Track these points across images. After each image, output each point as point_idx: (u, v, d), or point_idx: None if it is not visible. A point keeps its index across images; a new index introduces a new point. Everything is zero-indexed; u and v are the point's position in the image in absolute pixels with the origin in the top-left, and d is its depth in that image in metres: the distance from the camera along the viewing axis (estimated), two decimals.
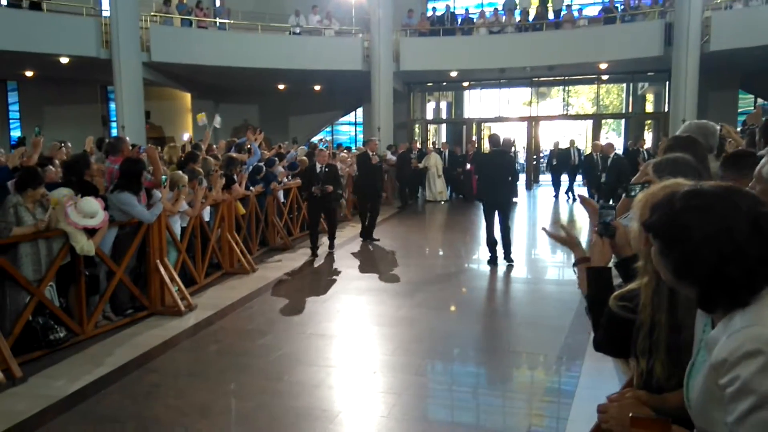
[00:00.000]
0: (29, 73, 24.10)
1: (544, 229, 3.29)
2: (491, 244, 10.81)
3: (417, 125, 28.11)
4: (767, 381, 1.55)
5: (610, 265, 2.68)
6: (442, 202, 21.60)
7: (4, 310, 6.22)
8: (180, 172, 8.99)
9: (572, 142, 23.03)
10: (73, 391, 5.61)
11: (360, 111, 29.14)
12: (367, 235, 13.45)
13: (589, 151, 21.92)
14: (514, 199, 18.90)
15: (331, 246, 12.19)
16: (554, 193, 22.74)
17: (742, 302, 1.68)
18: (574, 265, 2.85)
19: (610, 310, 2.36)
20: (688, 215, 1.71)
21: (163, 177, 8.28)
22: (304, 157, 14.99)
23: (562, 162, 23.12)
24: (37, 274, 6.43)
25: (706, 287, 1.71)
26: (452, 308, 8.76)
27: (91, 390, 5.65)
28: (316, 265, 11.21)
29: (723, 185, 1.78)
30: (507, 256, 10.72)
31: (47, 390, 5.64)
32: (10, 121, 27.09)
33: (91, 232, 6.79)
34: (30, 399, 5.43)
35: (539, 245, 13.80)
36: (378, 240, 13.36)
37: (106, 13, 21.26)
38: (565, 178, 22.79)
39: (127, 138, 9.37)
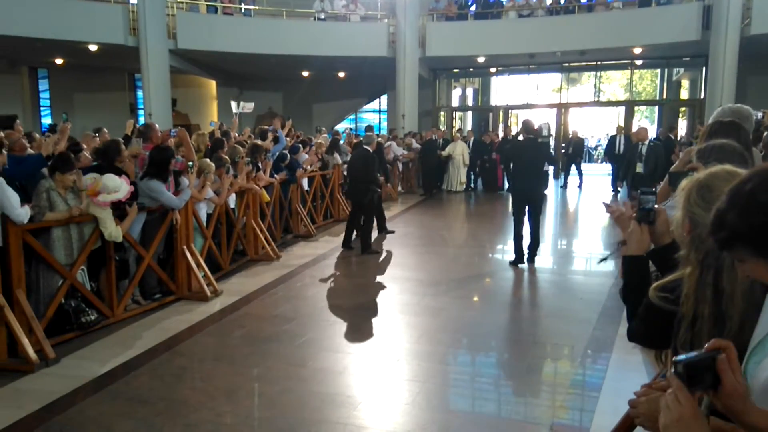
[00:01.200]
0: (59, 61, 24.37)
1: (605, 203, 3.21)
2: (518, 242, 10.00)
3: (443, 113, 27.73)
4: None
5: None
6: (463, 192, 21.06)
7: (38, 294, 6.35)
8: (207, 160, 9.07)
9: (619, 129, 21.90)
10: (103, 372, 5.74)
11: (384, 98, 28.94)
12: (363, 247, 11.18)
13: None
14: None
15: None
16: (562, 184, 22.46)
17: None
18: (620, 244, 2.80)
19: (648, 301, 2.29)
20: (760, 198, 1.57)
21: (189, 163, 8.34)
22: (321, 141, 14.90)
23: (578, 151, 22.86)
24: (69, 258, 6.55)
25: None
26: (475, 298, 8.72)
27: (121, 371, 5.77)
28: (339, 253, 11.23)
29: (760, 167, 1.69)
30: (531, 257, 10.04)
31: (79, 371, 5.76)
32: (41, 108, 27.39)
33: (120, 217, 6.90)
34: (62, 379, 5.57)
35: (565, 236, 13.74)
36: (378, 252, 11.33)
37: (133, 1, 21.36)
38: (588, 168, 22.39)
39: (157, 125, 9.43)
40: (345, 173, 12.17)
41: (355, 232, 11.52)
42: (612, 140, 21.56)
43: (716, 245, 1.70)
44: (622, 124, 23.81)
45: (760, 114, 4.77)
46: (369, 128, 13.82)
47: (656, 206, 2.61)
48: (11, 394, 5.31)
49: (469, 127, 29.32)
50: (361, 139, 13.32)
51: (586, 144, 30.90)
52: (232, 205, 9.79)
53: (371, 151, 11.22)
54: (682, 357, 1.53)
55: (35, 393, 5.28)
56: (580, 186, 21.99)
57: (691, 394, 1.50)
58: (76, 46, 20.98)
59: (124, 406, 5.09)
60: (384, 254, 10.74)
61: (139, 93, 25.54)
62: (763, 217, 1.55)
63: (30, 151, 7.70)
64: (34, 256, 6.28)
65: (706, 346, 1.54)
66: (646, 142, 14.20)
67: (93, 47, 21.01)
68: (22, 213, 5.89)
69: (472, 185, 22.02)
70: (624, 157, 18.42)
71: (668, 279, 2.22)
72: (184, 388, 5.51)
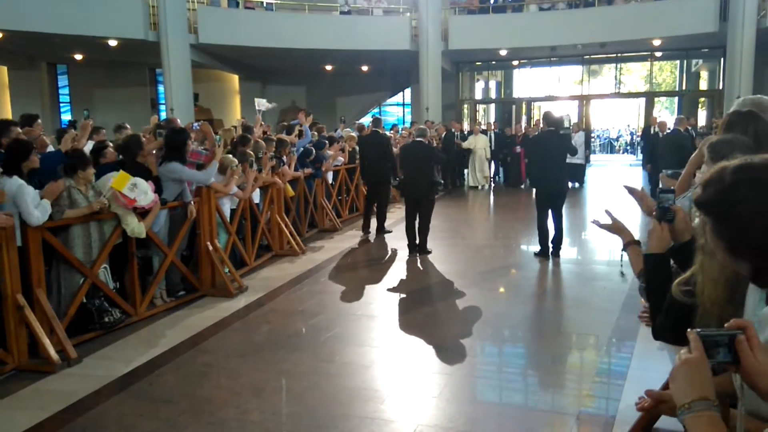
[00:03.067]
0: (78, 57, 24.47)
1: (594, 221, 3.24)
2: (543, 236, 9.95)
3: (466, 105, 27.87)
4: None
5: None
6: (482, 188, 20.18)
7: (58, 293, 6.29)
8: (230, 156, 8.99)
9: (654, 120, 20.74)
10: (126, 372, 5.65)
11: (408, 91, 28.96)
12: (378, 230, 12.14)
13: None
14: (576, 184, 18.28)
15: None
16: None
17: None
18: (623, 249, 2.84)
19: (672, 297, 2.28)
20: (737, 190, 1.69)
21: (217, 137, 8.28)
22: (353, 134, 14.83)
23: (586, 143, 22.40)
24: (87, 257, 6.44)
25: (757, 263, 1.71)
26: (501, 289, 8.71)
27: (145, 371, 5.70)
28: (364, 246, 11.18)
29: None
30: (556, 251, 9.96)
31: (101, 371, 5.69)
32: (61, 104, 27.49)
33: (142, 214, 6.83)
34: (84, 380, 5.49)
35: (588, 227, 13.62)
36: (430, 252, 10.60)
37: None
38: (611, 158, 21.86)
39: (178, 120, 9.40)
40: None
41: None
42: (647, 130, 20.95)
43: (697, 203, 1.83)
44: (642, 115, 23.49)
45: None
46: (377, 120, 13.29)
47: (675, 205, 2.63)
48: (33, 396, 5.24)
49: (492, 119, 29.18)
50: (372, 129, 13.12)
51: (598, 136, 30.57)
52: (256, 200, 9.72)
53: (427, 143, 10.77)
54: (700, 330, 1.58)
55: (57, 394, 5.21)
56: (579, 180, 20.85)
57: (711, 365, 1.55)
58: (96, 42, 21.04)
59: (147, 405, 5.03)
60: (408, 249, 10.61)
61: (161, 88, 25.60)
62: (729, 209, 1.70)
63: (51, 147, 7.68)
64: (54, 255, 6.22)
65: (726, 325, 1.59)
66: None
67: (113, 42, 21.07)
68: (38, 216, 5.80)
69: (495, 179, 21.48)
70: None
71: (689, 273, 2.21)
72: (208, 386, 5.45)
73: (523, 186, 20.10)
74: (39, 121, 7.99)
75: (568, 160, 12.70)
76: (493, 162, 21.13)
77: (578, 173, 19.64)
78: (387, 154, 11.94)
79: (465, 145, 20.49)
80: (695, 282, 2.14)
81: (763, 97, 4.46)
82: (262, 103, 12.31)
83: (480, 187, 20.16)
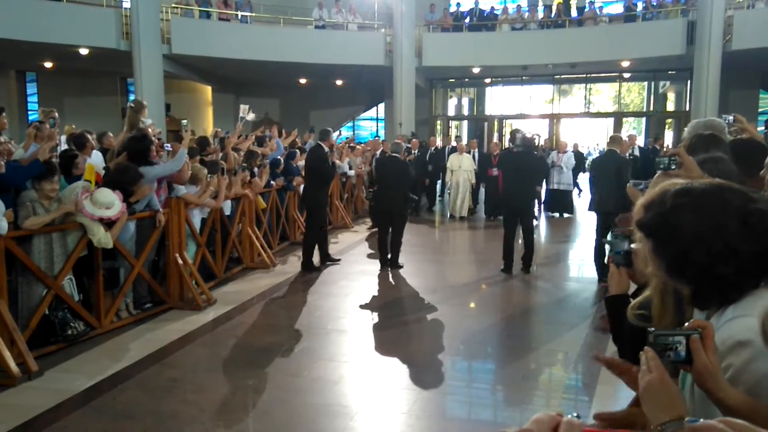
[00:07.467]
0: (48, 64, 24.16)
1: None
2: (507, 253, 10.06)
3: (439, 121, 28.14)
4: (756, 370, 1.60)
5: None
6: (460, 217, 16.67)
7: (16, 304, 6.10)
8: (199, 164, 8.88)
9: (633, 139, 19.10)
10: (89, 385, 5.53)
11: (382, 106, 29.05)
12: (319, 263, 10.48)
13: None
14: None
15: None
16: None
17: (733, 300, 1.73)
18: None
19: (630, 326, 2.27)
20: (678, 214, 1.74)
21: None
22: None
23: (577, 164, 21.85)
24: (49, 271, 6.27)
25: (697, 285, 1.76)
26: (472, 305, 8.76)
27: (108, 385, 5.58)
28: (336, 260, 11.07)
29: (714, 182, 1.83)
30: (526, 267, 10.07)
31: (63, 384, 5.56)
32: (29, 112, 27.08)
33: (109, 224, 6.69)
34: (46, 393, 5.36)
35: (558, 244, 13.68)
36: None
37: (126, 5, 21.20)
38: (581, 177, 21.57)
39: (150, 131, 9.27)
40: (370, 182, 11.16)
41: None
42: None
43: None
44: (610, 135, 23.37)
45: (731, 118, 4.83)
46: (323, 133, 11.51)
47: (632, 246, 2.59)
48: None
49: (465, 135, 29.32)
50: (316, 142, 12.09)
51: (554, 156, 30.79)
52: (227, 212, 9.61)
53: (401, 158, 10.57)
54: (656, 330, 1.63)
55: (16, 408, 5.08)
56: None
57: (664, 364, 1.58)
58: (67, 50, 20.80)
59: (110, 421, 4.93)
60: (379, 263, 10.54)
61: (132, 98, 25.31)
62: (670, 233, 1.75)
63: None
64: (14, 265, 6.06)
65: (686, 324, 1.64)
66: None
67: (84, 51, 20.83)
68: (4, 225, 5.68)
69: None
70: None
71: (643, 296, 2.24)
72: (174, 401, 5.35)
73: (500, 217, 14.92)
74: (4, 114, 7.71)
75: (554, 187, 12.53)
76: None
77: (565, 201, 17.37)
78: (323, 174, 10.46)
79: (448, 165, 17.08)
80: (648, 304, 2.16)
81: (715, 120, 4.62)
82: (245, 110, 12.16)
83: (459, 217, 16.69)
